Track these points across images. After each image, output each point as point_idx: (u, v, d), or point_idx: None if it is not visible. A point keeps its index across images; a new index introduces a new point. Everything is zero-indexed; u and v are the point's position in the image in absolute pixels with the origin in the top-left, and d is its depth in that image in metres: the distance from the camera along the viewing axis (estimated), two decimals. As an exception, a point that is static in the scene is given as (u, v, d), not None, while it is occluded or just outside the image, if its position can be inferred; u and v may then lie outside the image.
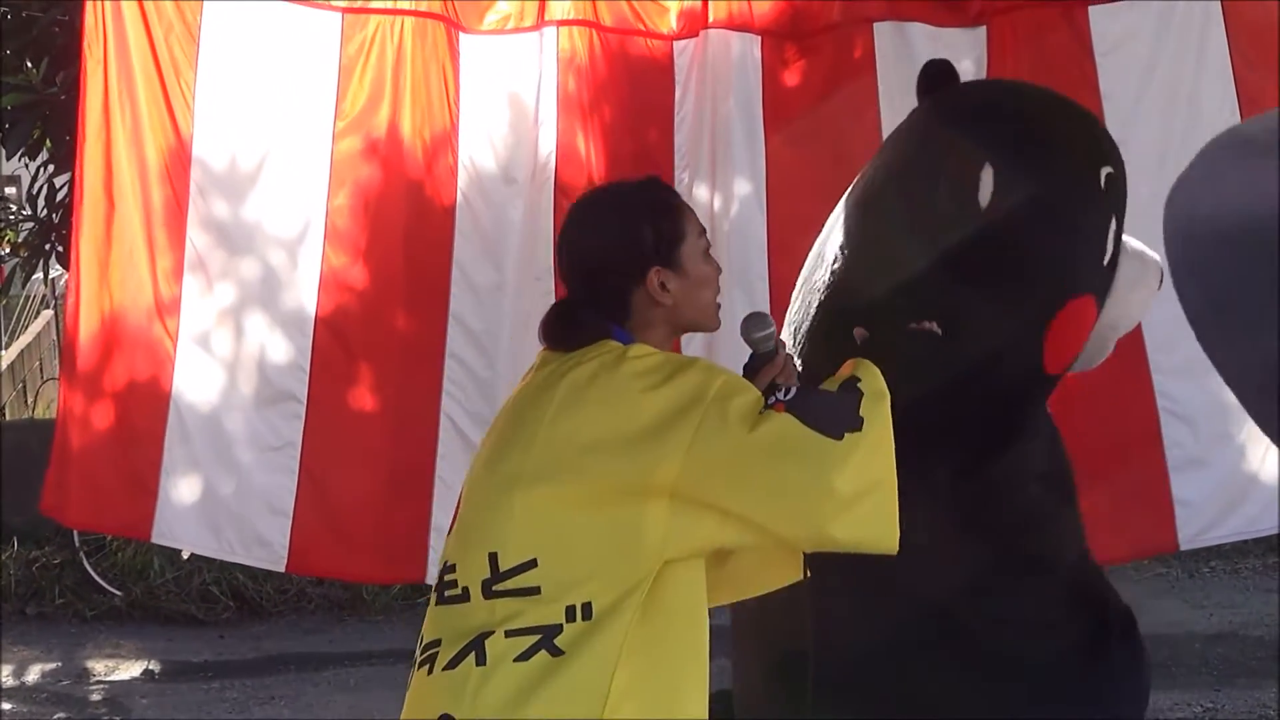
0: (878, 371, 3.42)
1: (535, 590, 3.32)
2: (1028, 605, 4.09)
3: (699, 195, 6.03)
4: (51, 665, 9.49)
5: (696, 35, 6.00)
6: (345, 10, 5.83)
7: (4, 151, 10.44)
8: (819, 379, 3.65)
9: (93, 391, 5.74)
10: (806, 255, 6.02)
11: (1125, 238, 4.06)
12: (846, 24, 6.08)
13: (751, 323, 3.57)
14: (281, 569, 6.10)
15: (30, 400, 15.93)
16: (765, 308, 5.95)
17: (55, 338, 17.00)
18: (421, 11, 5.89)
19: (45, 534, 10.85)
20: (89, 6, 5.65)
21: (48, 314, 17.64)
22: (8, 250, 10.94)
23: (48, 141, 9.95)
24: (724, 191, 6.05)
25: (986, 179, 3.94)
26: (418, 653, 3.48)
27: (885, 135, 6.02)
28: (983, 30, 6.04)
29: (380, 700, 8.21)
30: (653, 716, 3.30)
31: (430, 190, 5.96)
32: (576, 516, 3.34)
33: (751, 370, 3.55)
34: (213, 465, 5.78)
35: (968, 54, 6.05)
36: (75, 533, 10.30)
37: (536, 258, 5.97)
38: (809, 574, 3.57)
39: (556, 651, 3.29)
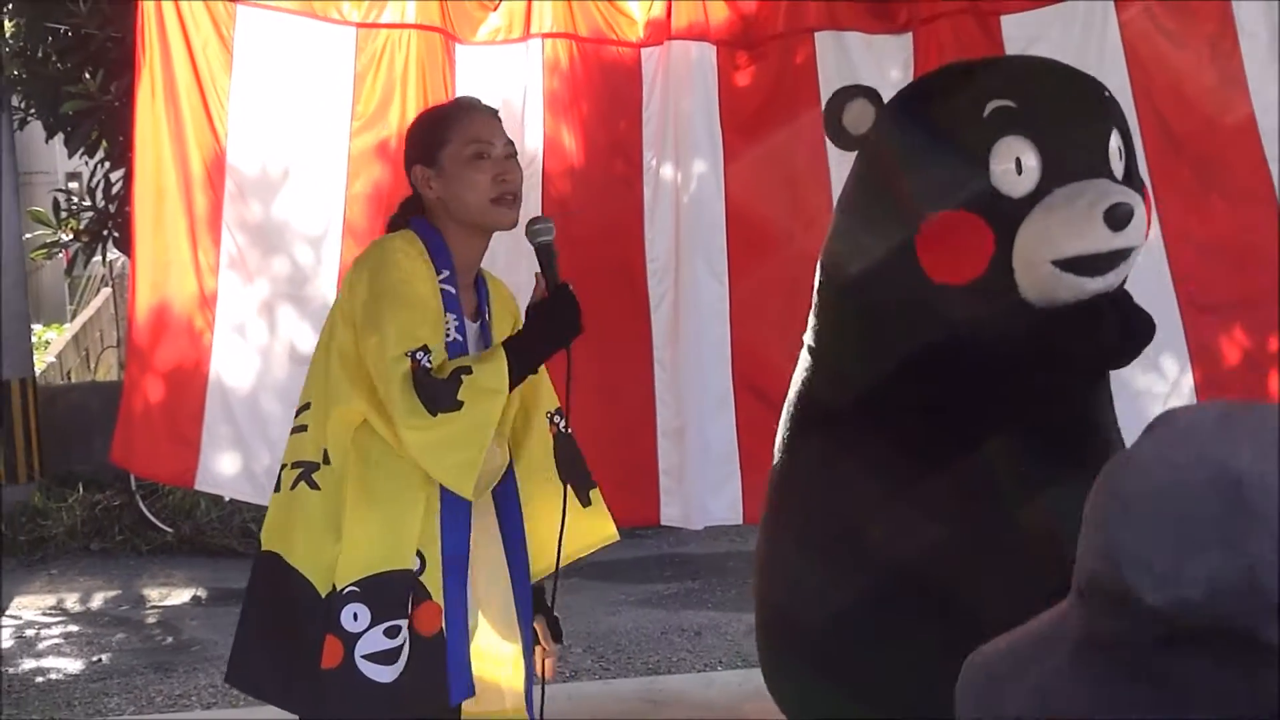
0: (503, 369, 3.40)
1: (304, 429, 3.51)
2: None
3: (665, 175, 6.04)
4: (113, 593, 9.50)
5: (661, 44, 5.99)
6: (359, 25, 5.83)
7: (67, 150, 10.43)
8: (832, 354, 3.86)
9: (147, 365, 5.77)
10: (760, 228, 6.06)
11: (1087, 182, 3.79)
12: (790, 34, 6.06)
13: (531, 221, 3.75)
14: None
15: (93, 365, 15.93)
16: (724, 269, 6.00)
17: (114, 311, 17.00)
18: (424, 25, 5.87)
19: (106, 480, 10.87)
20: (141, 21, 5.63)
21: (107, 291, 17.64)
22: (71, 235, 10.90)
23: (104, 142, 9.97)
24: (685, 172, 6.02)
25: (856, 107, 3.87)
26: None
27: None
28: (909, 37, 6.04)
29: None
30: (369, 545, 3.40)
31: (435, 183, 5.90)
32: (332, 369, 3.47)
33: (540, 259, 3.69)
34: (247, 423, 5.78)
35: (896, 58, 6.06)
36: (132, 478, 10.32)
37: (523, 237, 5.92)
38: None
39: (314, 485, 3.46)
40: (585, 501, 3.81)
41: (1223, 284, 5.85)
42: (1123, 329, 3.84)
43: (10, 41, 10.72)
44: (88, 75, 9.71)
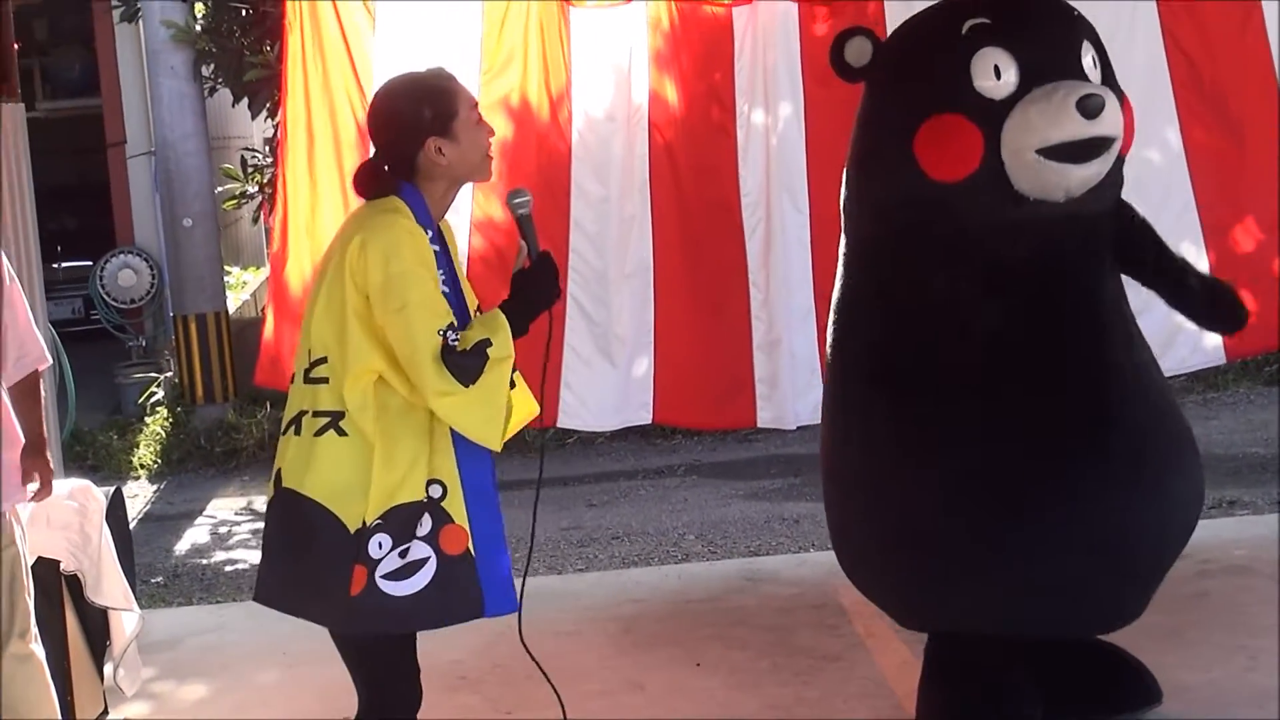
0: (509, 337, 3.51)
1: (325, 380, 3.54)
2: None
3: (755, 118, 6.17)
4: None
5: (750, 3, 6.10)
6: (485, -1, 6.00)
7: (250, 113, 10.71)
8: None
9: (290, 305, 5.94)
10: (835, 167, 6.10)
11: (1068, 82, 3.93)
12: (862, -7, 6.16)
13: (510, 194, 3.69)
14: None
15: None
16: (805, 202, 6.16)
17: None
18: (541, -5, 6.02)
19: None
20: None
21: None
22: (256, 188, 11.19)
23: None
24: (772, 115, 6.15)
25: (855, 44, 4.21)
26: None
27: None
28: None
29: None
30: (392, 483, 3.50)
31: (554, 130, 6.11)
32: (351, 330, 3.50)
33: (521, 229, 3.67)
34: None
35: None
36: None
37: (633, 175, 6.13)
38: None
39: (341, 433, 3.51)
40: (512, 384, 3.72)
41: (1234, 196, 5.96)
42: None
43: (201, 20, 11.03)
44: (267, 47, 9.97)
